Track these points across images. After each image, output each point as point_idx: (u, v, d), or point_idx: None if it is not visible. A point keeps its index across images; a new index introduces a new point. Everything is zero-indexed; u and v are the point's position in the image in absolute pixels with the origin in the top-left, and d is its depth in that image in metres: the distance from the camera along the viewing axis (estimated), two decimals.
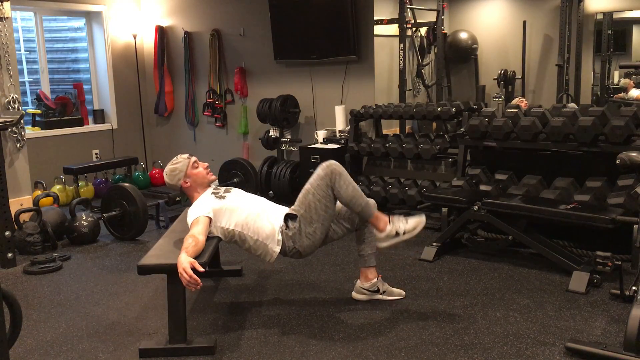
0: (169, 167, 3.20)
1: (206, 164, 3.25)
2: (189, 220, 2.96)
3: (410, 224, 3.04)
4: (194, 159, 3.22)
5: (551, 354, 2.60)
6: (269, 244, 3.03)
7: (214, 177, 3.25)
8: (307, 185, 3.06)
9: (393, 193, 4.82)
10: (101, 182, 6.30)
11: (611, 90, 6.03)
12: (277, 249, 3.03)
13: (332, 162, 3.04)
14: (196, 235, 2.79)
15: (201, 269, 2.61)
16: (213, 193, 3.14)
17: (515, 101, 5.70)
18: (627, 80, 5.83)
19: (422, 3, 6.45)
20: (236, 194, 3.18)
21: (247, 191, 3.33)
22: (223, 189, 3.21)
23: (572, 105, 5.41)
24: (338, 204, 3.10)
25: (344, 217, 3.18)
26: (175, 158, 3.23)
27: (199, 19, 6.52)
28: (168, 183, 3.21)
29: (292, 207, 3.08)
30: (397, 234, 3.03)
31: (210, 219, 2.96)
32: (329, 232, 3.14)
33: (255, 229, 3.02)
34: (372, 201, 3.14)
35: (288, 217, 3.05)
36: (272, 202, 3.22)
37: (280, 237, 3.02)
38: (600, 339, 2.70)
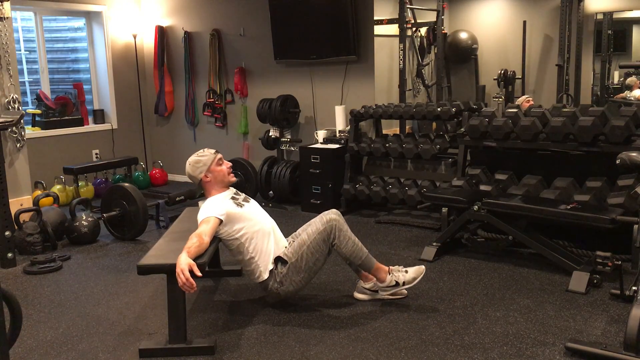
0: (193, 158, 3.15)
1: (230, 164, 3.21)
2: (200, 216, 2.95)
3: (410, 275, 3.13)
4: (219, 155, 3.19)
5: (551, 354, 2.60)
6: (260, 266, 3.04)
7: (234, 178, 3.20)
8: (305, 236, 3.07)
9: (393, 193, 4.82)
10: (101, 182, 6.30)
11: (611, 90, 6.03)
12: (265, 275, 3.05)
13: (333, 217, 3.05)
14: (202, 236, 2.79)
15: (199, 274, 2.61)
16: (233, 198, 3.11)
17: (521, 99, 5.70)
18: (633, 78, 5.79)
19: (422, 3, 6.44)
20: (254, 206, 3.17)
21: (247, 192, 3.34)
22: (242, 196, 3.19)
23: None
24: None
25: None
26: (201, 151, 3.19)
27: (199, 19, 6.52)
28: (189, 174, 3.15)
29: (285, 251, 3.07)
30: (397, 283, 3.13)
31: (221, 222, 2.94)
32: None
33: (256, 247, 3.03)
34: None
35: (279, 260, 3.05)
36: (279, 231, 3.22)
37: (271, 267, 3.04)
38: (600, 339, 2.70)
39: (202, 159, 3.13)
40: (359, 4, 5.30)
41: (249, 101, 6.29)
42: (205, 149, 3.20)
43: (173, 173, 7.02)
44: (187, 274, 2.57)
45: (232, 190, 3.21)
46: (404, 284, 3.13)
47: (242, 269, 3.13)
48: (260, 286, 3.14)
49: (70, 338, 2.95)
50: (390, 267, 3.16)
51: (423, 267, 3.18)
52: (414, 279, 3.13)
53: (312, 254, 3.02)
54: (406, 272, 3.14)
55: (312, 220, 3.17)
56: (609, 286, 3.25)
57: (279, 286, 3.04)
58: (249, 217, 3.04)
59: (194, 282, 2.58)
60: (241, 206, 3.07)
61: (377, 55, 5.43)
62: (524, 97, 5.83)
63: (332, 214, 3.08)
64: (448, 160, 4.89)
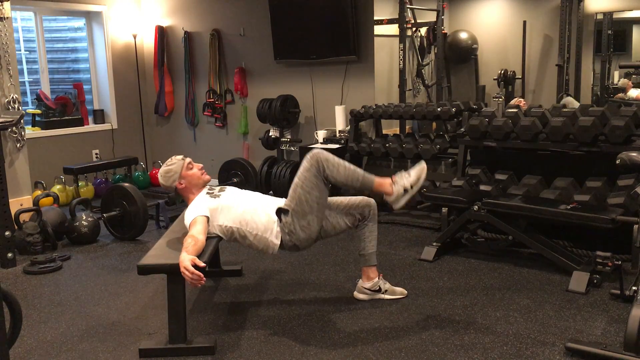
0: (163, 169, 3.20)
1: (200, 165, 3.25)
2: (187, 222, 2.96)
3: (413, 176, 3.01)
4: (188, 160, 3.22)
5: (551, 354, 2.60)
6: (268, 237, 3.03)
7: (208, 177, 3.26)
8: (295, 179, 3.06)
9: None
10: (101, 182, 6.30)
11: (611, 90, 6.03)
12: (277, 241, 3.03)
13: (315, 152, 3.03)
14: (195, 235, 2.80)
15: (202, 264, 2.62)
16: (208, 193, 3.14)
17: (514, 101, 5.70)
18: (625, 80, 5.83)
19: (422, 3, 6.45)
20: (231, 191, 3.19)
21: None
22: (217, 188, 3.22)
23: (570, 99, 5.38)
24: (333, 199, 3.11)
25: (345, 212, 3.18)
26: (169, 159, 3.23)
27: (199, 19, 6.52)
28: (163, 184, 3.21)
29: (285, 202, 3.08)
30: (405, 190, 3.00)
31: (208, 218, 2.96)
32: (330, 226, 3.13)
33: (253, 224, 3.03)
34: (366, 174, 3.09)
35: (281, 212, 3.05)
36: (268, 196, 3.24)
37: (278, 229, 3.03)
38: (600, 339, 2.70)
39: (172, 168, 3.17)
40: (359, 4, 5.30)
41: (249, 101, 6.29)
42: (173, 157, 3.24)
43: None
44: (192, 269, 2.58)
45: (206, 187, 3.24)
46: (411, 187, 2.99)
47: (257, 249, 3.10)
48: (280, 251, 3.10)
49: (70, 338, 2.95)
50: (393, 176, 3.05)
51: (424, 163, 3.06)
52: (418, 178, 3.00)
53: (308, 192, 2.99)
54: (409, 175, 3.03)
55: None
56: (609, 286, 3.25)
57: (290, 237, 3.02)
58: (229, 204, 3.06)
59: (201, 274, 2.59)
60: (217, 197, 3.09)
61: (377, 55, 5.43)
62: (515, 99, 5.82)
63: (314, 150, 3.05)
64: (448, 160, 4.89)
